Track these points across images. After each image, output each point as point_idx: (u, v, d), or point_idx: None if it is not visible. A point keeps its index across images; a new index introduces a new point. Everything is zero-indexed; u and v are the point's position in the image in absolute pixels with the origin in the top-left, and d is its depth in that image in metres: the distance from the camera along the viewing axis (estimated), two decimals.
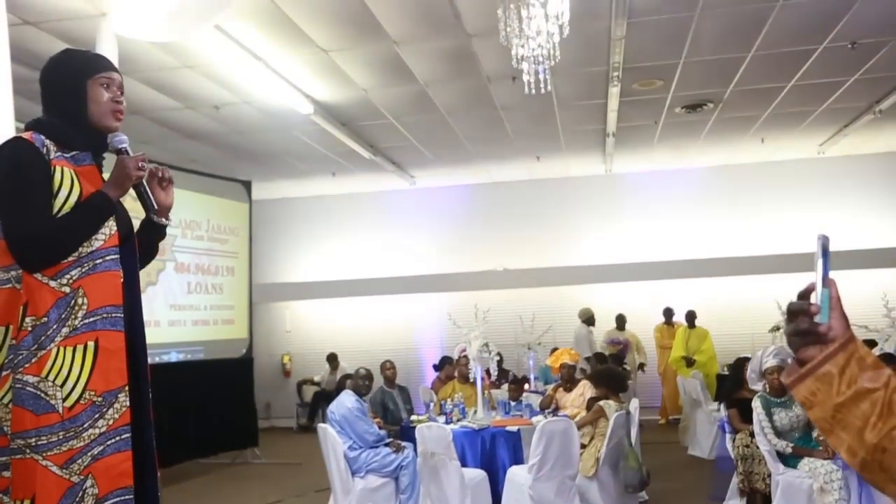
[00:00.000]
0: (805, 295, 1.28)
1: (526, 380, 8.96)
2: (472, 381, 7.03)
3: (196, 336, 9.00)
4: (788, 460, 5.38)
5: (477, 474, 5.80)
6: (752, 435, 5.66)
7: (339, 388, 7.20)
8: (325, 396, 12.07)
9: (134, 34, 5.40)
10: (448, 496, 5.57)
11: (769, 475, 5.48)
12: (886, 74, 7.82)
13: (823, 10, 6.25)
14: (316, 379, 12.71)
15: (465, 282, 12.15)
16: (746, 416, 5.80)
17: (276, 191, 12.61)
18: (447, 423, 6.24)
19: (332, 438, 5.96)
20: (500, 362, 7.76)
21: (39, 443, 2.07)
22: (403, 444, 6.14)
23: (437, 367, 9.15)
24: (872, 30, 6.68)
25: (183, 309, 8.79)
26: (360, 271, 12.88)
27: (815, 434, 5.44)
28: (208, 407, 8.81)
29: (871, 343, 8.69)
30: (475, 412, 6.46)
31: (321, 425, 6.16)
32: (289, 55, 6.80)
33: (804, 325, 1.25)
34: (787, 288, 9.36)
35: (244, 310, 9.82)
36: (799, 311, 1.27)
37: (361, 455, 5.96)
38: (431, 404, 7.15)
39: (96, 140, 2.36)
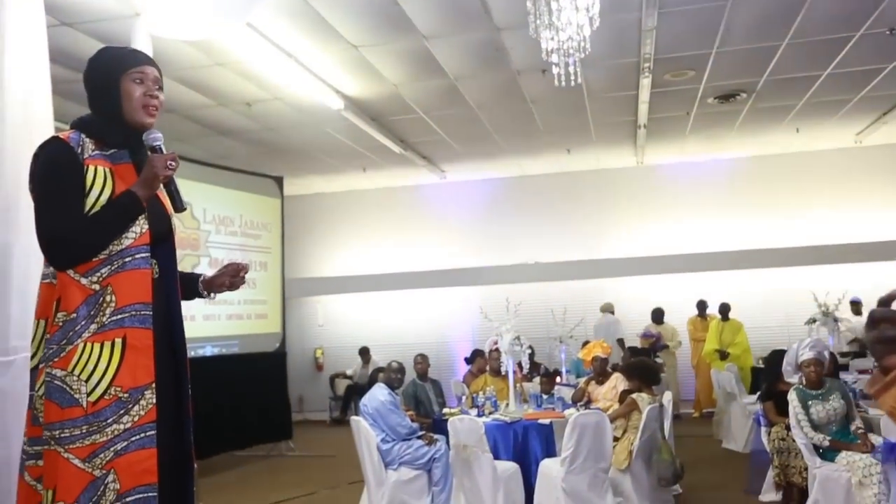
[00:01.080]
0: (886, 302, 1.27)
1: (557, 373, 8.92)
2: (503, 374, 7.01)
3: (230, 330, 9.11)
4: (826, 454, 5.29)
5: (509, 467, 5.78)
6: (788, 428, 5.57)
7: (372, 381, 7.24)
8: (358, 390, 12.14)
9: (167, 33, 5.46)
10: (481, 489, 5.55)
11: (806, 469, 5.40)
12: None
13: None
14: (348, 373, 12.79)
15: (496, 275, 12.14)
16: (782, 409, 5.72)
17: (307, 186, 12.71)
18: (479, 415, 6.22)
19: (365, 431, 5.99)
20: (531, 356, 7.74)
21: (63, 435, 2.11)
22: (436, 436, 6.15)
23: (468, 361, 9.15)
24: None
25: (217, 303, 8.86)
26: (390, 266, 12.93)
27: (852, 427, 5.36)
28: (243, 400, 8.92)
29: None
30: (507, 405, 6.44)
31: (354, 418, 6.19)
32: (319, 51, 6.84)
33: (890, 332, 1.23)
34: (822, 280, 9.32)
35: (277, 304, 9.91)
36: (882, 319, 1.25)
37: (394, 447, 5.99)
38: (463, 397, 7.16)
39: (133, 137, 2.37)
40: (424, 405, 7.15)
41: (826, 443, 5.27)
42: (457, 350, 12.20)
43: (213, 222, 8.69)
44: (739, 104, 9.03)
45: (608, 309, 11.66)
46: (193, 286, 2.62)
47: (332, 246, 13.49)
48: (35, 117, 3.02)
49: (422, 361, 7.40)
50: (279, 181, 10.08)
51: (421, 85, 7.89)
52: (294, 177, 11.52)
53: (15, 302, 2.89)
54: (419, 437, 6.12)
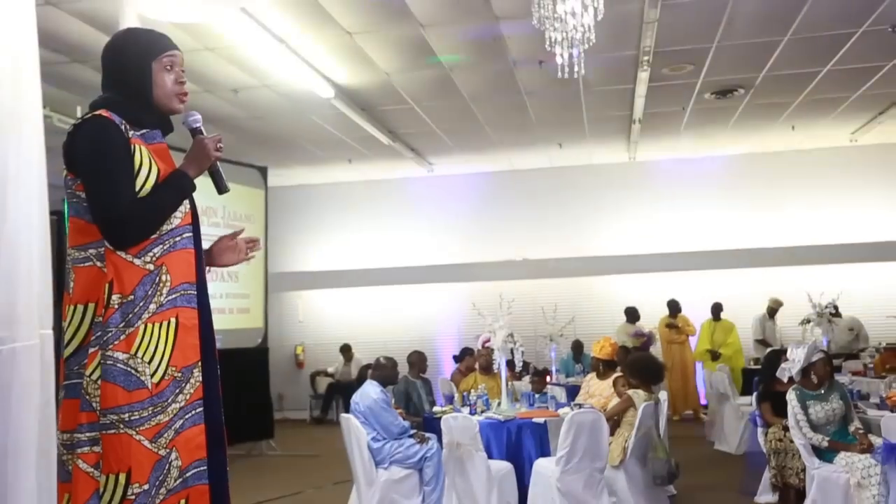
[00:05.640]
0: None
1: (548, 372, 8.83)
2: (495, 372, 6.90)
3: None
4: (824, 454, 5.24)
5: (503, 466, 5.70)
6: (785, 429, 5.53)
7: (361, 378, 7.09)
8: (340, 388, 12.01)
9: (159, 15, 5.26)
10: (474, 488, 5.47)
11: (803, 470, 5.35)
12: None
13: None
14: (330, 370, 12.62)
15: (484, 272, 12.02)
16: (779, 410, 5.67)
17: (291, 177, 12.48)
18: (472, 414, 6.13)
19: (355, 429, 5.85)
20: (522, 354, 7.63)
21: (133, 418, 2.13)
22: (428, 435, 6.03)
23: (457, 359, 9.03)
24: None
25: None
26: (374, 260, 12.77)
27: (851, 428, 5.32)
28: (224, 397, 8.70)
29: None
30: (499, 403, 6.34)
31: (344, 415, 6.05)
32: (311, 37, 6.68)
33: None
34: (816, 279, 9.29)
35: (260, 299, 9.72)
36: None
37: (385, 446, 5.86)
38: (454, 396, 7.03)
39: (164, 119, 2.41)
40: (415, 403, 7.01)
41: (825, 443, 5.23)
42: (441, 348, 12.07)
43: None
44: (736, 100, 8.97)
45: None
46: None
47: (315, 239, 13.27)
48: (23, 100, 2.83)
49: (418, 360, 7.26)
50: (263, 171, 9.89)
51: (414, 74, 7.74)
52: (278, 167, 11.31)
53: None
54: (411, 436, 5.99)
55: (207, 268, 2.57)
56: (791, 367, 5.55)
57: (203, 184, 2.43)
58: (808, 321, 8.43)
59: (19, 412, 2.52)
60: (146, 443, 2.14)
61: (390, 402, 6.19)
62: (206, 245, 2.54)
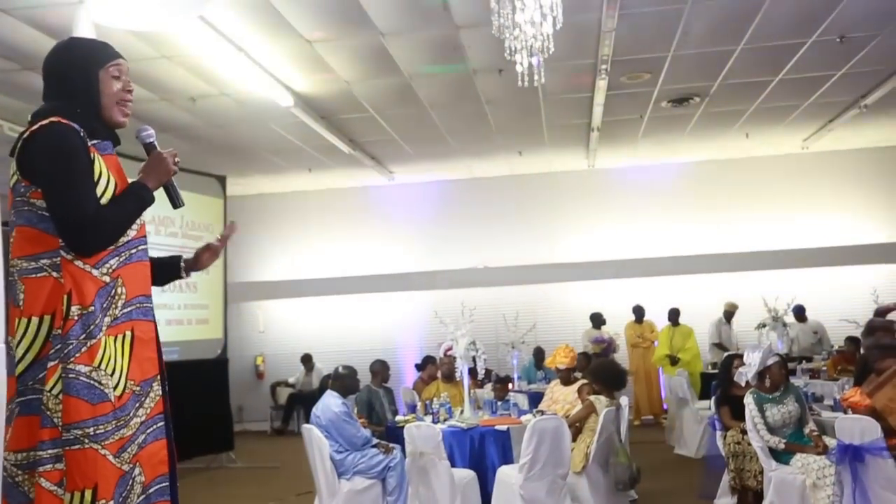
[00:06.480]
0: (883, 313, 1.23)
1: (510, 379, 8.84)
2: (457, 380, 6.89)
3: (170, 336, 8.71)
4: (781, 456, 5.32)
5: (466, 474, 5.70)
6: (743, 432, 5.59)
7: (322, 388, 7.03)
8: (301, 399, 11.89)
9: (114, 23, 5.18)
10: (437, 497, 5.46)
11: (761, 472, 5.42)
12: (873, 69, 7.85)
13: (813, 2, 6.22)
14: (290, 381, 12.50)
15: (445, 280, 12.02)
16: (737, 414, 5.74)
17: (250, 186, 12.36)
18: (434, 422, 6.11)
19: (317, 439, 5.79)
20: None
21: (98, 432, 2.08)
22: (392, 445, 5.99)
23: (419, 367, 9.00)
24: (861, 24, 6.69)
25: (157, 308, 8.45)
26: (334, 269, 12.68)
27: (806, 430, 5.40)
28: (183, 409, 8.50)
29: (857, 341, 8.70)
30: (462, 412, 6.34)
31: (306, 426, 5.97)
32: (271, 45, 6.63)
33: (885, 340, 1.18)
34: (773, 284, 9.43)
35: (219, 309, 9.58)
36: (880, 328, 1.21)
37: (348, 457, 5.80)
38: (417, 404, 7.01)
39: (111, 130, 2.37)
40: (378, 413, 6.97)
41: (781, 445, 5.30)
42: (404, 356, 12.01)
43: (152, 223, 8.31)
44: (692, 108, 9.11)
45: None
46: (173, 270, 2.63)
47: (274, 248, 13.12)
48: None
49: (381, 369, 7.21)
50: (222, 180, 9.76)
51: (374, 83, 7.73)
52: (237, 176, 11.19)
53: None
54: (374, 446, 5.94)
55: (187, 275, 2.63)
56: (747, 370, 5.63)
57: (158, 195, 2.40)
58: (764, 325, 8.57)
59: None
60: (111, 457, 2.09)
61: (352, 413, 6.14)
62: (155, 254, 2.51)
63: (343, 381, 6.19)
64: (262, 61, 6.94)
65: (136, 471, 2.17)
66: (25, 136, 2.20)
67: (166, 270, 2.60)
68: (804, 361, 8.70)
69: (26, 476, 2.10)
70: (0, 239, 2.63)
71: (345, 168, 11.30)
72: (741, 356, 6.33)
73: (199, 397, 8.89)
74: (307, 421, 6.16)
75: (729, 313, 10.66)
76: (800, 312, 10.22)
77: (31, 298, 2.13)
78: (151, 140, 2.40)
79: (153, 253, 2.43)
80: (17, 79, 6.81)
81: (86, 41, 2.47)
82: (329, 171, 11.58)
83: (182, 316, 9.02)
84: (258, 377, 12.98)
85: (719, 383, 6.48)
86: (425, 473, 5.52)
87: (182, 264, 2.62)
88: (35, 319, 2.12)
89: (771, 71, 7.86)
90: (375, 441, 6.00)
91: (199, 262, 2.63)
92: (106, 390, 2.11)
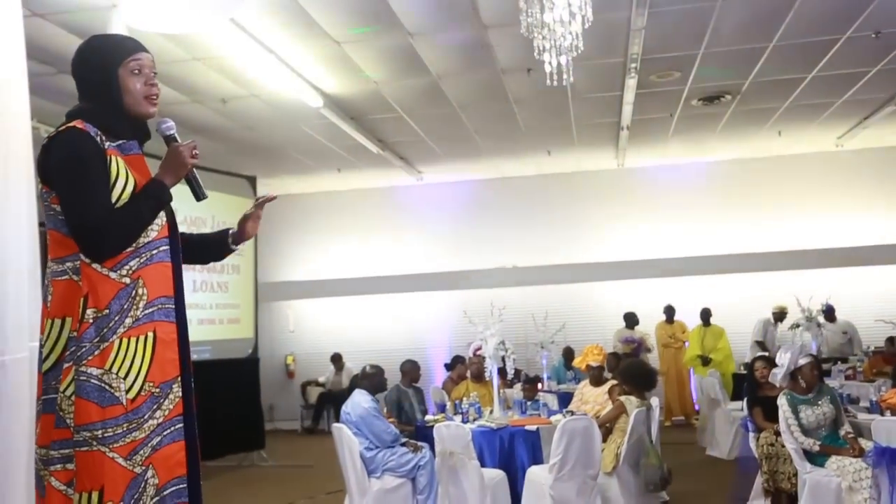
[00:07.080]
0: None
1: (539, 379, 8.82)
2: (487, 380, 6.89)
3: (202, 335, 8.84)
4: (815, 459, 5.25)
5: (496, 474, 5.70)
6: (776, 433, 5.52)
7: (352, 387, 7.06)
8: (331, 398, 11.95)
9: (147, 26, 5.24)
10: (467, 496, 5.47)
11: (795, 474, 5.35)
12: None
13: None
14: (321, 380, 12.56)
15: (473, 280, 12.01)
16: (770, 415, 5.68)
17: (280, 187, 12.44)
18: (464, 422, 6.11)
19: (347, 438, 5.82)
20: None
21: (106, 435, 2.09)
22: (421, 444, 6.01)
23: (448, 367, 9.00)
24: None
25: (189, 307, 8.55)
26: (364, 269, 12.72)
27: (842, 432, 5.33)
28: (215, 408, 8.62)
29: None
30: (491, 412, 6.34)
31: (336, 425, 6.01)
32: (301, 47, 6.67)
33: None
34: (802, 285, 9.30)
35: (250, 308, 9.67)
36: None
37: (378, 455, 5.83)
38: (447, 404, 7.02)
39: (140, 127, 2.36)
40: (407, 412, 6.99)
41: (816, 447, 5.23)
42: (433, 356, 12.02)
43: (184, 223, 8.33)
44: (723, 106, 9.01)
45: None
46: (223, 245, 2.66)
47: (304, 248, 13.21)
48: (10, 112, 2.82)
49: (412, 368, 7.23)
50: (252, 181, 9.86)
51: (403, 83, 7.74)
52: (267, 177, 11.28)
53: None
54: (403, 445, 5.97)
55: (236, 247, 2.65)
56: (779, 371, 5.57)
57: (190, 194, 2.41)
58: (798, 326, 8.46)
59: (9, 424, 2.50)
60: (120, 460, 2.10)
61: (380, 410, 6.17)
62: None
63: (371, 379, 6.24)
64: (291, 63, 6.98)
65: (150, 473, 2.16)
66: (45, 142, 2.23)
67: (216, 246, 2.67)
68: (839, 362, 8.57)
69: (45, 472, 2.14)
70: (38, 239, 2.68)
71: (374, 168, 11.34)
72: (766, 358, 6.29)
73: (231, 396, 8.99)
74: (337, 420, 6.21)
75: (779, 315, 10.50)
76: (829, 312, 10.06)
77: (57, 300, 2.18)
78: (171, 132, 2.36)
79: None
80: (53, 82, 6.91)
81: (102, 39, 2.41)
82: (358, 172, 11.64)
83: (214, 315, 9.12)
84: (289, 376, 13.07)
85: (750, 384, 6.42)
86: (455, 473, 5.53)
87: (230, 238, 2.65)
88: (57, 321, 2.16)
89: (804, 68, 7.74)
90: (404, 440, 6.03)
91: (244, 232, 2.65)
92: (117, 393, 2.11)
